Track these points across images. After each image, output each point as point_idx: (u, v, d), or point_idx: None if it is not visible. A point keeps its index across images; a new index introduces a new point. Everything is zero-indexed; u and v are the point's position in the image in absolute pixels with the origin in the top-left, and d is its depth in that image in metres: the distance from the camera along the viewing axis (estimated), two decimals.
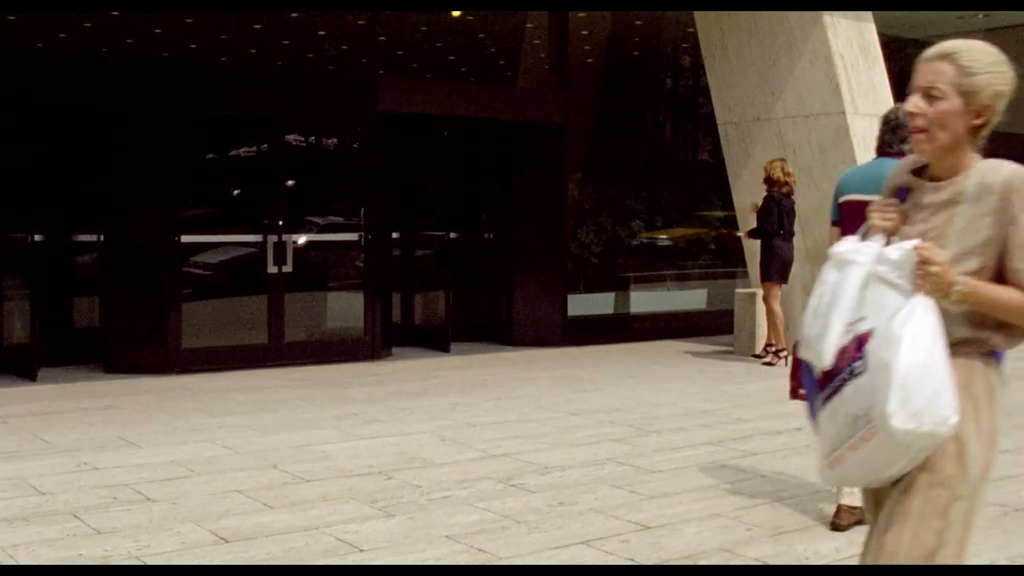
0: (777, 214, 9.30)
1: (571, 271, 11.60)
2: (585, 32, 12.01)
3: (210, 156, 9.91)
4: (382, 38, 11.43)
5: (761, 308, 10.09)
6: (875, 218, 2.54)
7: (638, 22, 12.51)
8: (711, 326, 11.80)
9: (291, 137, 9.94)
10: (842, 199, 4.82)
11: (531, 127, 11.01)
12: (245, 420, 6.90)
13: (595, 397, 7.86)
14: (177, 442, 6.19)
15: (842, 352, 2.41)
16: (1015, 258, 2.41)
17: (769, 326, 9.81)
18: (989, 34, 14.73)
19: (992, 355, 2.51)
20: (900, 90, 11.35)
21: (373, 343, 9.88)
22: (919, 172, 2.56)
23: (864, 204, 4.82)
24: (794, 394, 5.04)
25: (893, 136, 4.82)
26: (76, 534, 4.41)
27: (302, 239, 9.74)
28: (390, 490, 5.13)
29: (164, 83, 8.94)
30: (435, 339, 10.58)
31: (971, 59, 2.42)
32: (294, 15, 10.22)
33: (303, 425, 6.74)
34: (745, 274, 11.10)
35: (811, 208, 9.59)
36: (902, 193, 2.58)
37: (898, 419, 2.28)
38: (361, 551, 4.21)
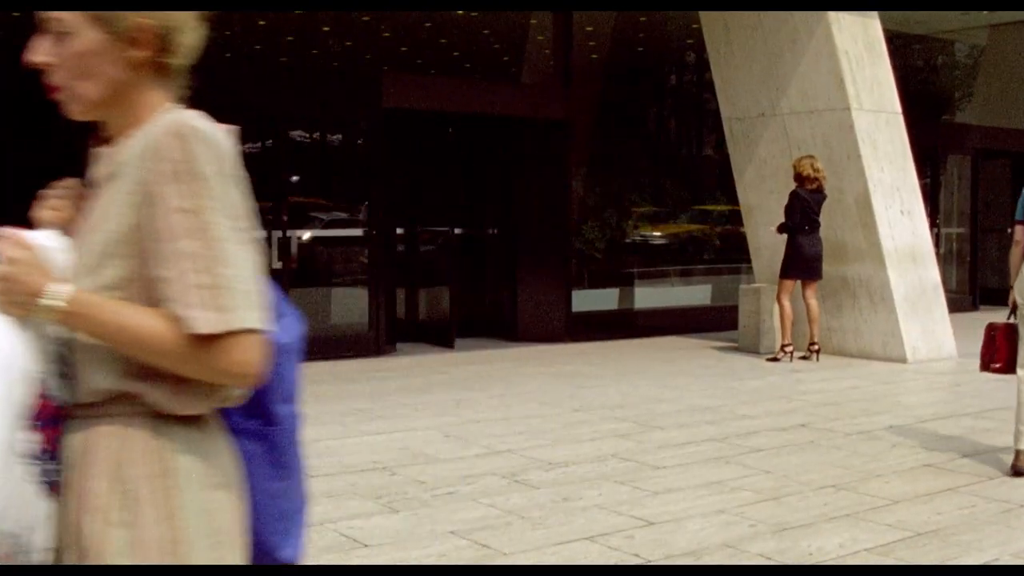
0: (800, 210, 9.31)
1: (575, 267, 11.61)
2: (589, 28, 12.00)
3: None
4: (387, 35, 11.43)
5: (765, 304, 10.08)
6: (42, 208, 1.73)
7: (642, 19, 12.50)
8: (716, 322, 11.80)
9: (296, 133, 9.95)
10: None
11: (535, 123, 11.02)
12: None
13: (599, 393, 7.86)
14: None
15: None
16: (157, 261, 1.53)
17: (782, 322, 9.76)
18: (994, 30, 14.71)
19: (184, 420, 1.59)
20: (904, 87, 11.34)
21: (377, 339, 9.89)
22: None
23: None
24: (984, 367, 5.56)
25: None
26: None
27: (306, 235, 9.76)
28: (394, 486, 5.15)
29: None
30: (439, 335, 10.60)
31: None
32: (299, 11, 10.22)
33: (307, 421, 6.72)
34: (750, 270, 11.10)
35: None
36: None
37: None
38: (365, 546, 4.22)
